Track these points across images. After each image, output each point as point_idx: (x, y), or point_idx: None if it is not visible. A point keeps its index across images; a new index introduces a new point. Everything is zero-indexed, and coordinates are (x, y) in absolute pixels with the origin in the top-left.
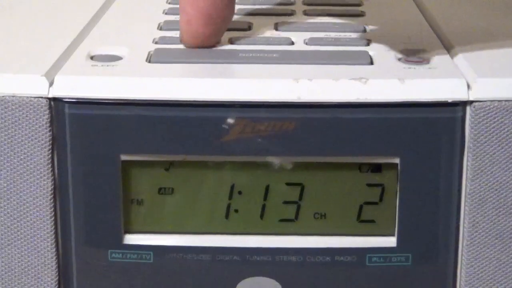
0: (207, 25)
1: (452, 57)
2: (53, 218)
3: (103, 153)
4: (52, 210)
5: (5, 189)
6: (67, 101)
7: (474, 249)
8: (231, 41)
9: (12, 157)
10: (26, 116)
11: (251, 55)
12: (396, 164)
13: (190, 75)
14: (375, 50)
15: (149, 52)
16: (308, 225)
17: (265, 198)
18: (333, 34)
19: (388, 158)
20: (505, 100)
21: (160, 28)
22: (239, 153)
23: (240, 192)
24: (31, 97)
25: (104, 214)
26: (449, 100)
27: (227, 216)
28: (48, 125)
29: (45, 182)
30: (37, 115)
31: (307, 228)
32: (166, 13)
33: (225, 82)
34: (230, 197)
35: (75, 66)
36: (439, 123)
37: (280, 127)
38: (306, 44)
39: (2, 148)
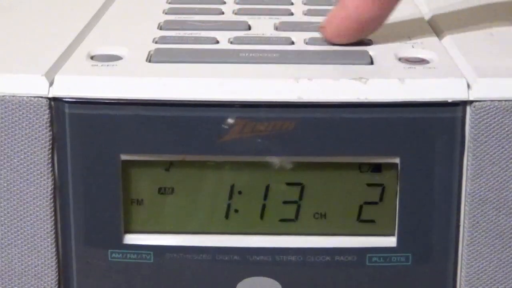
0: (359, 31)
1: (452, 57)
2: (53, 218)
3: (103, 153)
4: (52, 210)
5: (5, 189)
6: (67, 101)
7: (474, 249)
8: (231, 41)
9: (12, 157)
10: (26, 116)
11: (251, 55)
12: (396, 164)
13: (190, 75)
14: (375, 50)
15: (149, 52)
16: (308, 225)
17: (265, 198)
18: None
19: (388, 158)
20: (505, 100)
21: (160, 28)
22: (239, 153)
23: (240, 192)
24: (31, 97)
25: (104, 214)
26: (449, 100)
27: (227, 216)
28: (48, 125)
29: (45, 182)
30: (37, 115)
31: (307, 228)
32: (166, 13)
33: (225, 82)
34: (230, 197)
35: (75, 66)
36: (439, 123)
37: (280, 127)
38: (306, 44)
39: (2, 148)
